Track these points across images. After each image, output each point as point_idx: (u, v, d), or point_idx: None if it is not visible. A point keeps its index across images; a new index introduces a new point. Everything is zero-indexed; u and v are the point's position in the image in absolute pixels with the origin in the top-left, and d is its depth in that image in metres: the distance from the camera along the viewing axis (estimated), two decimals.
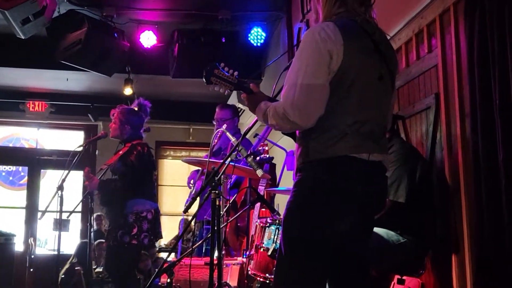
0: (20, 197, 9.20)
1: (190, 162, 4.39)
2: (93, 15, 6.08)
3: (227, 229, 4.41)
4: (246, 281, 3.50)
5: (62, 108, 8.70)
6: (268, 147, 3.84)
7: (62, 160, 7.33)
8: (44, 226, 8.42)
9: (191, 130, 9.50)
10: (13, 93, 8.42)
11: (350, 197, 1.97)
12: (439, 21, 3.34)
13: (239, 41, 6.50)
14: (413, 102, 3.64)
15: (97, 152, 8.61)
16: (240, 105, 6.15)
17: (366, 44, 2.03)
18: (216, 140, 4.28)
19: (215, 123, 4.78)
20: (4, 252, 6.92)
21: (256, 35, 6.52)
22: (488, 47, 2.72)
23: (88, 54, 6.01)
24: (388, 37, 2.21)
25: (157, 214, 4.22)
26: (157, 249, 7.39)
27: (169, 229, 8.13)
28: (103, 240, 5.96)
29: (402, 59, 3.76)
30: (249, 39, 6.52)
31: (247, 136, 2.78)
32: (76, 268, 6.42)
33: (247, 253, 3.35)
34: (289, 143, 2.73)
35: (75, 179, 7.79)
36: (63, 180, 4.14)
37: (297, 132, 2.10)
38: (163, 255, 7.53)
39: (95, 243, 6.84)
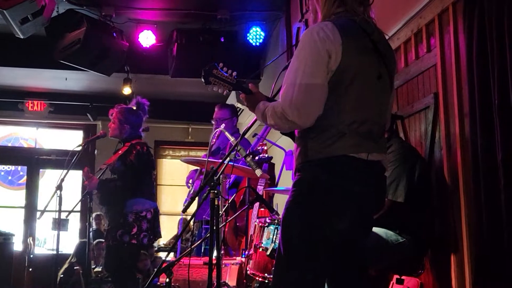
0: (19, 196, 9.19)
1: (189, 161, 4.39)
2: (92, 15, 6.09)
3: (226, 229, 4.41)
4: (245, 280, 3.50)
5: (61, 107, 8.70)
6: (267, 146, 3.83)
7: (61, 159, 7.34)
8: (43, 225, 8.38)
9: (190, 129, 9.50)
10: (12, 92, 8.41)
11: (349, 197, 1.96)
12: (438, 20, 3.34)
13: (238, 40, 6.50)
14: (412, 102, 3.64)
15: (96, 152, 8.61)
16: (239, 105, 6.15)
17: (364, 44, 2.03)
18: (214, 140, 4.27)
19: (213, 123, 4.78)
20: (3, 252, 6.93)
21: (255, 35, 6.52)
22: (487, 47, 2.72)
23: (87, 54, 6.01)
24: (387, 37, 2.20)
25: (156, 214, 4.21)
26: (156, 248, 7.39)
27: (168, 229, 8.11)
28: (102, 240, 5.95)
29: (401, 58, 3.75)
30: (248, 38, 6.52)
31: (246, 136, 2.79)
32: (75, 267, 6.41)
33: (246, 252, 3.35)
34: (288, 143, 2.72)
35: (74, 179, 7.78)
36: (62, 180, 4.13)
37: (296, 131, 2.10)
38: (162, 254, 7.54)
39: (94, 242, 6.83)
